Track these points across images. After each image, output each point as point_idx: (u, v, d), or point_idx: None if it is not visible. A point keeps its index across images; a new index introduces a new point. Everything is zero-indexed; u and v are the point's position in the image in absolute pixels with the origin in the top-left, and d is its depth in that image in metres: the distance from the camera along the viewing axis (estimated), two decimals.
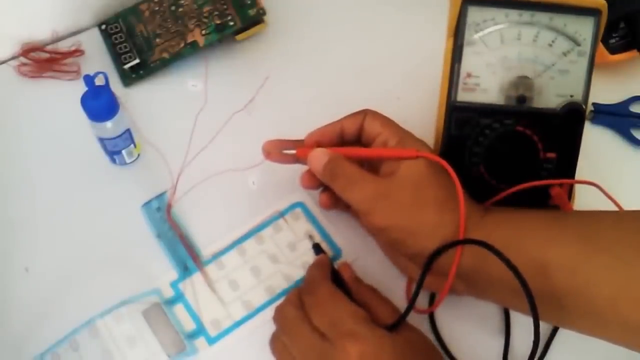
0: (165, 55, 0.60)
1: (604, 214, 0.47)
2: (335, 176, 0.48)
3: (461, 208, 0.45)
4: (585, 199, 0.52)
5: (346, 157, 0.48)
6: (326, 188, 0.52)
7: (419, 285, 0.46)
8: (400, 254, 0.49)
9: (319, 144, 0.50)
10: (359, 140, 0.51)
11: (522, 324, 0.51)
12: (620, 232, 0.44)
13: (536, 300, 0.43)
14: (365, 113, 0.50)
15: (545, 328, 0.51)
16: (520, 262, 0.43)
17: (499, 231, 0.45)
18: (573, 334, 0.51)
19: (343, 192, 0.48)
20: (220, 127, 0.58)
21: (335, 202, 0.52)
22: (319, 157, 0.49)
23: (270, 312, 0.50)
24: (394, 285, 0.51)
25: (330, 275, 0.49)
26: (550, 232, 0.45)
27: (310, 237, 0.54)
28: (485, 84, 0.49)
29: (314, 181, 0.51)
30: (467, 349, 0.50)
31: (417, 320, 0.51)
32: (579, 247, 0.43)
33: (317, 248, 0.53)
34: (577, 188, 0.52)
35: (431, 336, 0.51)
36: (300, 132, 0.53)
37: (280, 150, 0.51)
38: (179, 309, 0.51)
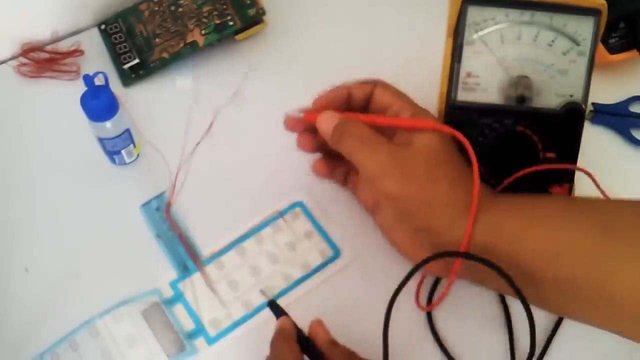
0: (165, 55, 0.60)
1: (623, 202, 0.45)
2: (347, 137, 0.46)
3: (475, 186, 0.44)
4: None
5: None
6: (324, 154, 0.50)
7: (403, 284, 0.44)
8: (403, 227, 0.47)
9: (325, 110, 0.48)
10: (365, 109, 0.49)
11: (522, 322, 0.51)
12: None
13: (547, 289, 0.41)
14: (375, 82, 0.48)
15: (545, 325, 0.51)
16: (533, 248, 0.42)
17: (511, 216, 0.44)
18: (573, 334, 0.51)
19: (355, 153, 0.45)
20: (217, 127, 0.58)
21: (331, 170, 0.50)
22: (329, 118, 0.47)
23: (269, 312, 0.49)
24: (393, 285, 0.51)
25: (298, 339, 0.45)
26: (566, 218, 0.43)
27: (262, 291, 0.51)
28: (485, 83, 0.49)
29: (313, 145, 0.49)
30: (466, 348, 0.50)
31: (416, 320, 0.51)
32: (596, 235, 0.41)
33: (273, 306, 0.48)
34: (577, 187, 0.52)
35: (429, 337, 0.51)
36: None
37: (286, 115, 0.49)
38: (179, 308, 0.51)
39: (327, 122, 0.47)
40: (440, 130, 0.46)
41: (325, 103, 0.48)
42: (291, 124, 0.50)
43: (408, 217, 0.45)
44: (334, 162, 0.52)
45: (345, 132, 0.46)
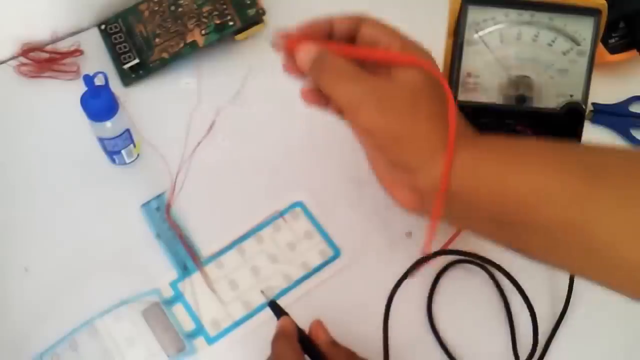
0: (165, 55, 0.60)
1: (611, 148, 0.43)
2: (323, 71, 0.43)
3: (451, 123, 0.41)
4: None
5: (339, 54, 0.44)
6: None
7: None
8: (381, 160, 0.45)
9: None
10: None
11: (524, 320, 0.51)
12: (630, 169, 0.40)
13: (530, 234, 0.40)
14: (361, 17, 0.46)
15: (547, 324, 0.51)
16: (517, 192, 0.40)
17: (492, 157, 0.42)
18: (573, 332, 0.51)
19: (331, 86, 0.43)
20: (217, 127, 0.58)
21: (319, 97, 0.47)
22: (308, 51, 0.44)
23: (269, 312, 0.49)
24: (393, 285, 0.51)
25: (299, 340, 0.45)
26: (550, 161, 0.41)
27: (262, 292, 0.51)
28: (485, 83, 0.49)
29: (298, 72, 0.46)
30: (467, 347, 0.50)
31: (415, 318, 0.51)
32: (582, 179, 0.40)
33: (273, 307, 0.48)
34: None
35: (429, 336, 0.51)
36: (300, 131, 0.53)
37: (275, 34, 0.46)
38: (179, 308, 0.51)
39: (305, 55, 0.44)
40: (422, 67, 0.43)
41: (307, 32, 0.46)
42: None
43: (384, 152, 0.43)
44: (319, 91, 0.48)
45: (322, 65, 0.44)
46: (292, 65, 0.46)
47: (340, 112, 0.47)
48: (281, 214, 0.55)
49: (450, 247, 0.52)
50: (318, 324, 0.47)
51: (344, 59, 0.43)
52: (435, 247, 0.52)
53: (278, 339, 0.45)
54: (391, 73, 0.43)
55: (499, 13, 0.48)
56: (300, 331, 0.46)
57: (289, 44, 0.45)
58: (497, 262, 0.52)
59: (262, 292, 0.51)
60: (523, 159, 0.41)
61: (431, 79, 0.43)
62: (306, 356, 0.44)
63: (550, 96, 0.49)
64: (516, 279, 0.51)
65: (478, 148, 0.42)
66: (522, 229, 0.41)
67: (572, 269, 0.43)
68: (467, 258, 0.53)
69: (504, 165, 0.41)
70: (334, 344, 0.45)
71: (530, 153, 0.42)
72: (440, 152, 0.41)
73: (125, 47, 0.61)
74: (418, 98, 0.42)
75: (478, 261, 0.52)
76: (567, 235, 0.40)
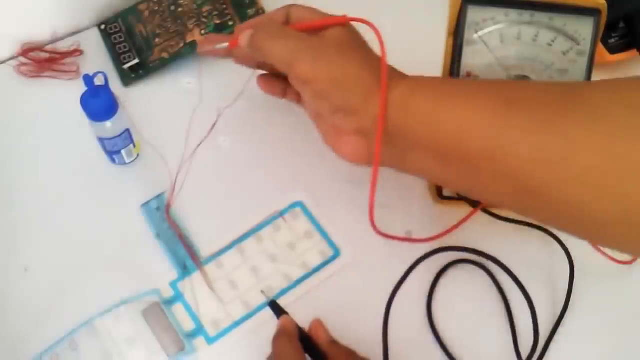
0: (165, 55, 0.60)
1: (530, 81, 0.47)
2: (258, 37, 0.47)
3: (382, 58, 0.46)
4: None
5: None
6: (264, 70, 0.53)
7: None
8: (324, 114, 0.48)
9: None
10: None
11: (524, 319, 0.51)
12: (545, 97, 0.42)
13: (455, 167, 0.43)
14: (289, 5, 0.50)
15: (547, 322, 0.51)
16: (442, 127, 0.43)
17: (421, 93, 0.45)
18: (573, 330, 0.51)
19: (267, 47, 0.47)
20: (217, 126, 0.58)
21: (272, 84, 0.53)
22: (246, 34, 0.48)
23: (269, 312, 0.50)
24: (392, 285, 0.52)
25: (300, 339, 0.45)
26: (471, 96, 0.44)
27: (262, 292, 0.52)
28: None
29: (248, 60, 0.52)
30: (467, 346, 0.50)
31: (415, 318, 0.51)
32: (499, 110, 0.42)
33: (274, 307, 0.49)
34: None
35: (430, 336, 0.51)
36: (300, 132, 0.53)
37: (214, 45, 0.51)
38: (178, 308, 0.51)
39: (244, 37, 0.48)
40: (351, 21, 0.48)
41: (248, 28, 0.50)
42: (212, 51, 0.52)
43: (324, 98, 0.46)
44: (273, 78, 0.54)
45: (257, 34, 0.47)
46: (239, 56, 0.51)
47: (284, 94, 0.53)
48: (281, 213, 0.55)
49: (450, 244, 0.52)
50: (318, 323, 0.47)
51: (275, 21, 0.49)
52: (436, 245, 0.52)
53: (279, 337, 0.45)
54: (319, 34, 0.47)
55: (499, 13, 0.48)
56: (300, 330, 0.46)
57: (233, 44, 0.50)
58: (498, 259, 0.52)
59: (262, 292, 0.51)
60: (449, 95, 0.44)
61: (355, 33, 0.48)
62: (307, 355, 0.45)
63: None
64: (516, 275, 0.51)
65: (408, 86, 0.45)
66: (450, 164, 0.43)
67: (498, 200, 0.45)
68: (466, 255, 0.53)
69: (432, 101, 0.44)
70: (334, 342, 0.46)
71: (456, 90, 0.45)
72: (376, 91, 0.45)
73: (125, 47, 0.61)
74: (346, 47, 0.46)
75: (478, 257, 0.52)
76: (486, 164, 0.42)
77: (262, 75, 0.54)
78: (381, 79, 0.45)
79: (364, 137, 0.46)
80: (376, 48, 0.47)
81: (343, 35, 0.47)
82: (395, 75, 0.47)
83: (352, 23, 0.48)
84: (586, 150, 0.39)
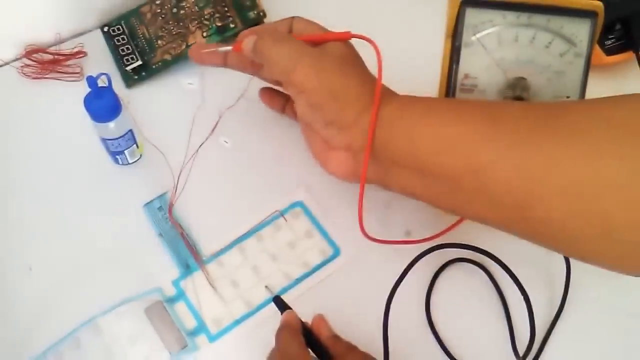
0: (167, 56, 0.61)
1: (515, 102, 0.48)
2: (260, 42, 0.48)
3: (378, 82, 0.47)
4: None
5: None
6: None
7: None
8: (316, 127, 0.48)
9: None
10: None
11: (522, 318, 0.51)
12: (525, 114, 0.42)
13: (436, 184, 0.43)
14: (293, 17, 0.51)
15: (544, 319, 0.51)
16: (424, 144, 0.44)
17: (406, 112, 0.46)
18: (571, 329, 0.51)
19: (268, 51, 0.48)
20: (219, 127, 0.59)
21: (273, 98, 0.55)
22: (250, 39, 0.49)
23: (269, 310, 0.50)
24: (392, 284, 0.52)
25: (303, 334, 0.46)
26: (455, 114, 0.44)
27: (267, 287, 0.52)
28: (483, 85, 0.50)
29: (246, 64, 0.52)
30: (465, 343, 0.51)
31: (414, 316, 0.52)
32: (482, 128, 0.42)
33: (278, 302, 0.49)
34: None
35: (428, 336, 0.51)
36: (299, 132, 0.53)
37: (215, 49, 0.52)
38: (181, 306, 0.52)
39: (247, 42, 0.49)
40: (354, 37, 0.49)
41: (251, 34, 0.50)
42: (209, 58, 0.52)
43: (318, 109, 0.47)
44: (274, 92, 0.56)
45: (261, 40, 0.48)
46: (240, 62, 0.52)
47: (283, 109, 0.54)
48: (281, 213, 0.55)
49: (449, 241, 0.52)
50: (320, 318, 0.48)
51: (280, 31, 0.50)
52: (435, 241, 0.53)
53: (282, 331, 0.46)
54: (320, 47, 0.48)
55: (496, 15, 0.49)
56: (303, 325, 0.47)
57: (237, 47, 0.50)
58: (497, 256, 0.52)
59: (266, 287, 0.52)
60: (436, 111, 0.45)
61: (354, 50, 0.49)
62: (309, 350, 0.45)
63: (547, 98, 0.50)
64: (513, 272, 0.51)
65: (399, 104, 0.46)
66: (430, 180, 0.44)
67: (481, 217, 0.44)
68: (465, 253, 0.53)
69: (416, 119, 0.45)
70: (336, 337, 0.46)
71: (440, 108, 0.46)
72: (370, 108, 0.46)
73: (127, 48, 0.62)
74: (345, 63, 0.48)
75: (476, 254, 0.53)
76: (468, 179, 0.42)
77: (264, 88, 0.55)
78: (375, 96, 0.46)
79: (352, 154, 0.47)
80: (374, 61, 0.48)
81: (343, 50, 0.48)
82: (389, 94, 0.48)
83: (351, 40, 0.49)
84: (566, 166, 0.39)
